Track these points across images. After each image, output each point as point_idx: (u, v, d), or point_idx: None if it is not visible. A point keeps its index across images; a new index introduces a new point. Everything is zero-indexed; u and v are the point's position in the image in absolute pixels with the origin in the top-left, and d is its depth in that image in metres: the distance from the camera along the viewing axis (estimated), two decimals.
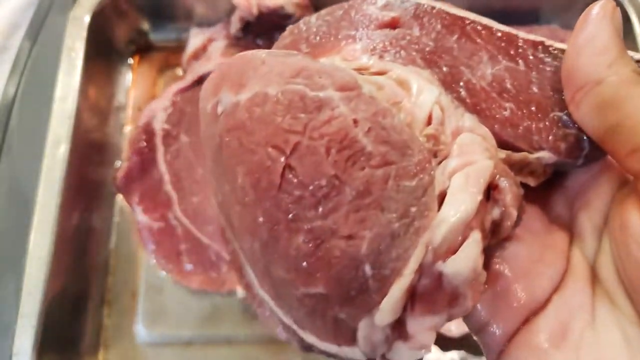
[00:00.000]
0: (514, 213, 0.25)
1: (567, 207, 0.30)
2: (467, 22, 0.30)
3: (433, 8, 0.31)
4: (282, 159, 0.24)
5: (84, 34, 0.58)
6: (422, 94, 0.27)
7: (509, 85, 0.28)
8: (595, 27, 0.25)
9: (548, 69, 0.28)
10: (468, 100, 0.28)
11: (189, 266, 0.55)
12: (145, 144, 0.59)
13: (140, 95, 0.65)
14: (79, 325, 0.52)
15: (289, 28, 0.34)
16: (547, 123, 0.27)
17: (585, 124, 0.26)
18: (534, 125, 0.27)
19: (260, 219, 0.25)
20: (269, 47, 0.64)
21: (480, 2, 0.64)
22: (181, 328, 0.54)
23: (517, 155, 0.28)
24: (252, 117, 0.25)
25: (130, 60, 0.67)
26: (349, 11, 0.32)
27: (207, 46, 0.64)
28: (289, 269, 0.25)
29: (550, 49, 0.28)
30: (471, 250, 0.23)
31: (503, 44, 0.29)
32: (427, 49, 0.29)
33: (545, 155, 0.27)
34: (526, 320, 0.27)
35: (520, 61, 0.29)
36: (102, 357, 0.53)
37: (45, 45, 0.58)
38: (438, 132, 0.26)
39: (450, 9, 0.31)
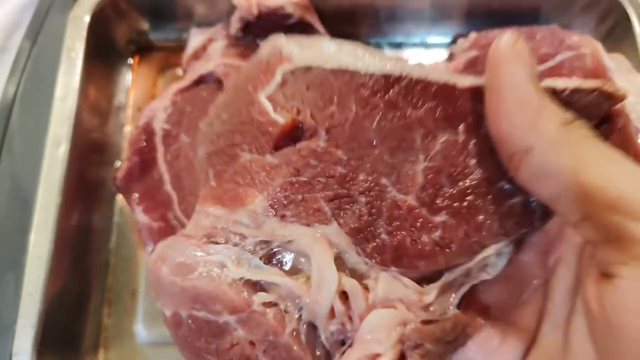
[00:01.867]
0: None
1: (541, 265, 0.28)
2: (392, 82, 0.26)
3: (341, 75, 0.26)
4: None
5: (84, 34, 0.58)
6: (322, 287, 0.25)
7: (443, 180, 0.25)
8: (505, 77, 0.22)
9: (485, 123, 0.25)
10: (387, 243, 0.25)
11: None
12: (145, 144, 0.59)
13: (140, 95, 0.65)
14: (79, 325, 0.52)
15: (202, 125, 0.33)
16: (488, 209, 0.25)
17: (528, 189, 0.24)
18: (472, 226, 0.25)
19: None
20: None
21: (480, 2, 0.64)
22: None
23: (450, 280, 0.26)
24: (178, 335, 0.29)
25: (130, 60, 0.67)
26: (243, 113, 0.29)
27: (207, 46, 0.64)
28: None
29: None
30: None
31: (440, 105, 0.25)
32: (339, 170, 0.26)
33: (491, 251, 0.25)
34: None
35: (460, 127, 0.25)
36: (102, 357, 0.53)
37: (45, 45, 0.58)
38: (343, 323, 0.25)
39: (369, 59, 0.26)
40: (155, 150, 0.59)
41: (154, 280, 0.30)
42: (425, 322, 0.25)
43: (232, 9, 0.61)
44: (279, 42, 0.30)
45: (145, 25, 0.67)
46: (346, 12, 0.65)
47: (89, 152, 0.57)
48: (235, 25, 0.61)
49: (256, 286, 0.26)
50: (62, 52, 0.57)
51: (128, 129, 0.63)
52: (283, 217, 0.26)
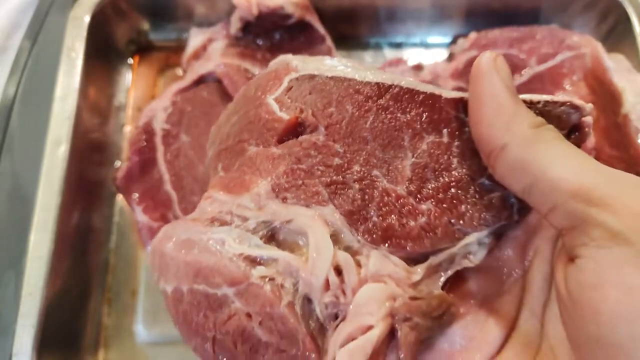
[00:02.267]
0: None
1: (520, 258, 0.30)
2: (384, 90, 0.30)
3: (340, 82, 0.30)
4: (208, 346, 0.29)
5: (84, 34, 0.58)
6: (318, 259, 0.27)
7: (429, 174, 0.29)
8: (485, 86, 0.26)
9: (467, 129, 0.28)
10: (378, 225, 0.28)
11: None
12: (145, 144, 0.59)
13: (140, 95, 0.65)
14: (79, 325, 0.52)
15: (213, 129, 0.36)
16: (469, 201, 0.28)
17: (505, 184, 0.27)
18: (455, 214, 0.28)
19: None
20: (269, 47, 0.65)
21: (480, 2, 0.64)
22: None
23: (435, 264, 0.29)
24: (177, 313, 0.31)
25: (130, 60, 0.67)
26: (251, 115, 0.33)
27: (207, 46, 0.64)
28: None
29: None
30: None
31: (426, 111, 0.29)
32: (335, 161, 0.29)
33: (472, 239, 0.28)
34: None
35: (444, 130, 0.29)
36: (102, 357, 0.53)
37: (45, 45, 0.58)
38: (337, 296, 0.27)
39: (365, 72, 0.30)
40: (155, 150, 0.59)
41: (158, 258, 0.31)
42: (413, 298, 0.27)
43: (232, 9, 0.61)
44: (287, 58, 0.34)
45: (145, 25, 0.67)
46: (346, 12, 0.65)
47: (89, 152, 0.57)
48: (235, 25, 0.61)
49: (255, 262, 0.28)
50: (62, 52, 0.57)
51: (128, 129, 0.63)
52: (284, 199, 0.29)
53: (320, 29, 0.63)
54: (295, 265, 0.28)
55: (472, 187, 0.28)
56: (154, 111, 0.60)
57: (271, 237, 0.30)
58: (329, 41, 0.63)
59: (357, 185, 0.29)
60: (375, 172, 0.29)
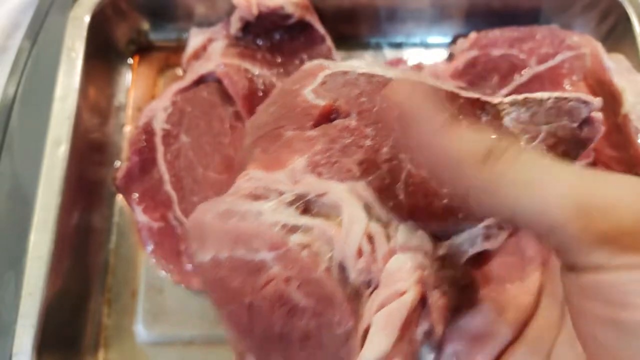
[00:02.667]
0: (439, 330, 0.27)
1: (541, 245, 0.30)
2: None
3: (370, 77, 0.33)
4: (244, 312, 0.30)
5: (84, 34, 0.58)
6: (351, 228, 0.29)
7: None
8: (412, 136, 0.23)
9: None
10: (404, 203, 0.30)
11: (189, 266, 0.55)
12: (145, 144, 0.59)
13: (140, 95, 0.65)
14: (79, 325, 0.52)
15: (250, 122, 0.39)
16: None
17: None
18: None
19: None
20: (269, 47, 0.65)
21: (480, 2, 0.64)
22: (181, 328, 0.54)
23: (457, 243, 0.30)
24: (215, 279, 0.31)
25: (130, 60, 0.67)
26: (288, 104, 0.36)
27: (207, 46, 0.64)
28: None
29: (487, 105, 0.31)
30: None
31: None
32: (367, 142, 0.31)
33: (493, 221, 0.30)
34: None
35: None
36: (102, 357, 0.53)
37: (45, 45, 0.58)
38: (368, 263, 0.29)
39: (386, 70, 0.33)
40: (155, 150, 0.59)
41: (198, 228, 0.33)
42: (439, 270, 0.29)
43: (232, 9, 0.61)
44: (320, 61, 0.38)
45: (145, 25, 0.67)
46: (346, 12, 0.65)
47: (89, 152, 0.57)
48: (235, 25, 0.61)
49: (292, 230, 0.29)
50: (62, 52, 0.57)
51: (128, 129, 0.63)
52: (319, 174, 0.31)
53: (320, 29, 0.63)
54: (330, 234, 0.29)
55: None
56: (154, 111, 0.60)
57: (305, 210, 0.31)
58: (329, 41, 0.63)
59: (385, 166, 0.31)
60: (402, 155, 0.31)
